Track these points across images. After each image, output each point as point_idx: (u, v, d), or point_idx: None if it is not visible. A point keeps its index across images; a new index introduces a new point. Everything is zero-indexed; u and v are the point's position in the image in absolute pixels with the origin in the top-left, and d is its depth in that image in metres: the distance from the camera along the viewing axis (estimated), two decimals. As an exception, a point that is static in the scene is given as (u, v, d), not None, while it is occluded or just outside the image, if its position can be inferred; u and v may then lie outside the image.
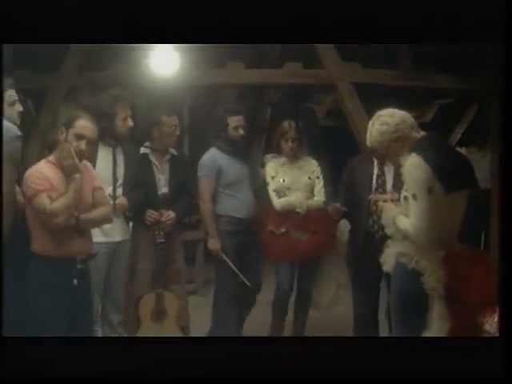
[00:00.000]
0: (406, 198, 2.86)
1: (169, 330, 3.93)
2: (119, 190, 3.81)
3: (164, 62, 5.36)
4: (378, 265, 3.80)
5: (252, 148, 4.36)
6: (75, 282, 3.11)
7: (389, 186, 3.80)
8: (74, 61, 5.64)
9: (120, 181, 3.81)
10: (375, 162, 3.87)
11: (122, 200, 3.75)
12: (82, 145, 3.17)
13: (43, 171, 3.08)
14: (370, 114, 4.26)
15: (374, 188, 3.85)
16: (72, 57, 5.63)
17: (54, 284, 3.01)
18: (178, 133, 4.11)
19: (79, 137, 3.15)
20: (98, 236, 3.59)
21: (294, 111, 6.09)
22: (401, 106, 6.71)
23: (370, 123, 3.06)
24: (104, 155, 3.75)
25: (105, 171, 3.71)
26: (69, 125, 3.16)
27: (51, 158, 3.17)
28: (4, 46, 2.35)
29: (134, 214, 4.01)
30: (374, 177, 3.87)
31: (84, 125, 3.17)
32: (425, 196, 2.72)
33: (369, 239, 3.90)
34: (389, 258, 3.06)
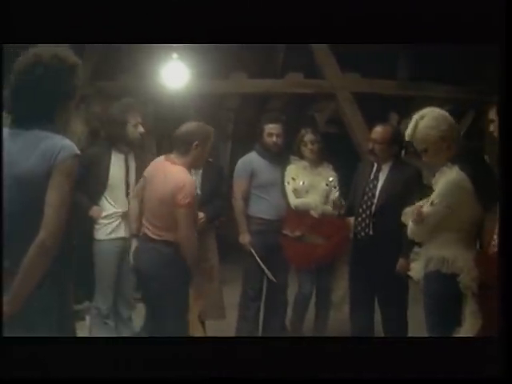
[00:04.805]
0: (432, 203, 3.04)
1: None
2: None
3: (170, 73, 5.54)
4: (362, 264, 3.98)
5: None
6: None
7: (378, 189, 3.95)
8: (84, 70, 5.81)
9: (132, 186, 3.93)
10: (374, 167, 4.02)
11: None
12: None
13: None
14: (368, 122, 4.44)
15: (366, 191, 3.99)
16: (83, 66, 5.80)
17: None
18: None
19: None
20: (108, 233, 3.85)
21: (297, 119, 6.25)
22: (399, 114, 6.86)
23: (417, 117, 3.10)
24: (117, 162, 3.91)
25: (118, 177, 3.89)
26: None
27: None
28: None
29: None
30: (369, 181, 4.01)
31: None
32: (445, 208, 2.94)
33: (355, 240, 4.06)
34: (417, 265, 3.21)
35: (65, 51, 2.23)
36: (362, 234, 3.95)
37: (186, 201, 3.26)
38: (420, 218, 3.02)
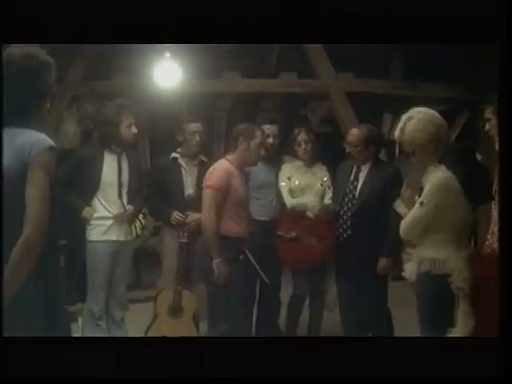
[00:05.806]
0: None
1: (183, 326, 4.02)
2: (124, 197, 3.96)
3: (163, 72, 5.50)
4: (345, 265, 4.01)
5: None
6: None
7: (358, 190, 3.97)
8: (78, 70, 5.78)
9: (125, 187, 3.95)
10: (354, 168, 4.03)
11: (129, 208, 3.94)
12: None
13: None
14: (362, 122, 4.43)
15: (346, 192, 4.00)
16: (76, 66, 5.77)
17: None
18: (197, 139, 4.27)
19: None
20: (101, 235, 3.83)
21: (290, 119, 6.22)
22: (393, 114, 6.87)
23: (405, 118, 3.04)
24: (110, 162, 3.89)
25: (110, 178, 3.87)
26: None
27: None
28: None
29: (163, 214, 4.27)
30: (349, 183, 4.03)
31: None
32: (434, 208, 2.91)
33: (337, 241, 4.07)
34: (410, 266, 3.17)
35: (35, 50, 2.23)
36: (344, 235, 3.95)
37: (210, 182, 3.62)
38: (415, 186, 3.04)
